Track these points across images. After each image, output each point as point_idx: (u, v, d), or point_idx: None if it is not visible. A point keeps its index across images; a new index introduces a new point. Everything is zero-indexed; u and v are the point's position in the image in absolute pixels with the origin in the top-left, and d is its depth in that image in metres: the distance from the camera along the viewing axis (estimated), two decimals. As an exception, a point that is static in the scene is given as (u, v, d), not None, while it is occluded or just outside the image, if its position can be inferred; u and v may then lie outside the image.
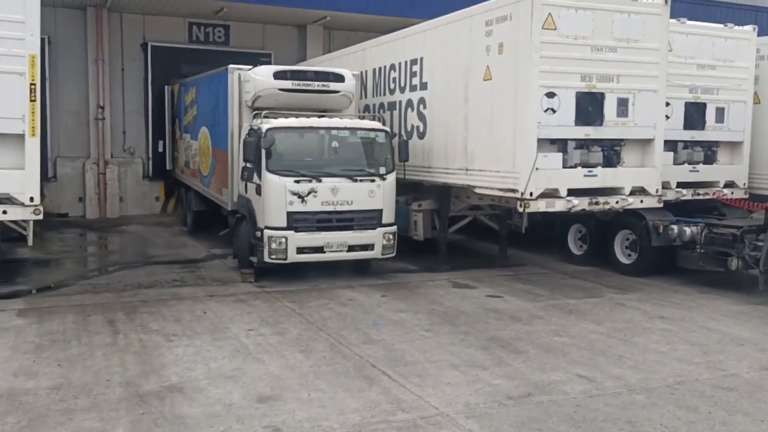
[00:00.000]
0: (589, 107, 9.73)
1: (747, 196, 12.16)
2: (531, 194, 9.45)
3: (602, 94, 9.79)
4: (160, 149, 19.05)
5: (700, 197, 11.99)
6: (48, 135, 18.42)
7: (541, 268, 12.47)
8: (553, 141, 9.79)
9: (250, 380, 6.28)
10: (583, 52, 9.59)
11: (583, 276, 11.62)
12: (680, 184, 11.81)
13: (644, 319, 8.80)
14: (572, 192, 9.82)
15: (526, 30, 9.29)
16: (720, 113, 12.07)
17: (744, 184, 12.33)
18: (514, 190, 9.64)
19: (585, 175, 9.84)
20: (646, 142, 10.29)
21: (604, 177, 9.97)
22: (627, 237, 11.92)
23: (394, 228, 10.96)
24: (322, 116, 11.15)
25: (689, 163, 11.95)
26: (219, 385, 6.16)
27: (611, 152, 10.04)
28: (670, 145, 11.81)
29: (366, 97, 14.21)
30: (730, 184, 12.28)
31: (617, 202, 10.08)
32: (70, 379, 6.26)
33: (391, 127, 13.10)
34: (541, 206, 9.62)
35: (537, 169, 9.45)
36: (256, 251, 10.42)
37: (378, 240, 10.71)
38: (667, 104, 11.53)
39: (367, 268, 11.48)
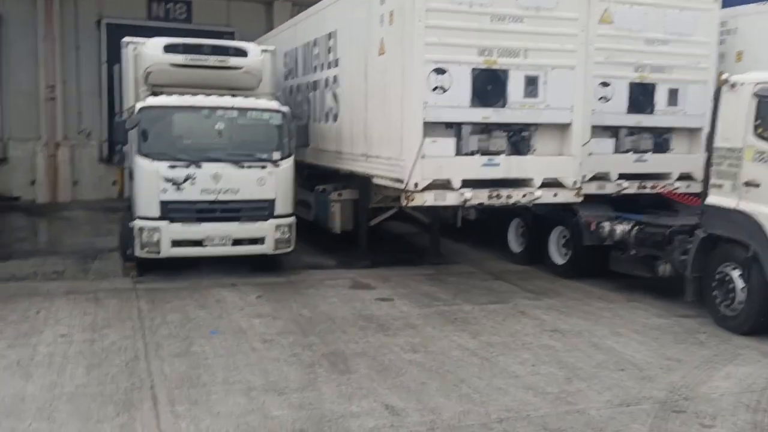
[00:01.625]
0: (489, 86, 8.45)
1: (706, 190, 10.67)
2: (416, 185, 8.27)
3: (505, 72, 8.49)
4: (115, 131, 18.33)
5: (647, 191, 10.57)
6: (-2, 115, 17.97)
7: (470, 266, 11.27)
8: (448, 125, 8.56)
9: (-14, 402, 5.36)
10: (480, 22, 8.30)
11: (507, 277, 10.37)
12: (624, 176, 10.42)
13: (533, 332, 7.58)
14: (470, 183, 8.58)
15: (411, -5, 8.08)
16: (673, 95, 10.57)
17: (703, 177, 10.82)
18: (400, 180, 8.47)
19: (484, 164, 8.57)
20: (562, 128, 8.96)
21: (508, 166, 8.68)
22: (563, 234, 10.61)
23: (291, 220, 9.89)
24: (224, 95, 10.11)
25: (635, 152, 10.49)
26: (-57, 407, 5.25)
27: (518, 138, 8.74)
28: (612, 131, 10.47)
29: (298, 75, 13.16)
30: (686, 177, 10.78)
31: (524, 196, 8.80)
32: None
33: (315, 109, 12.07)
34: (429, 199, 8.42)
35: (423, 156, 8.25)
36: (131, 243, 9.50)
37: (269, 233, 9.66)
38: (607, 84, 10.21)
39: (275, 263, 10.43)
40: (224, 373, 6.12)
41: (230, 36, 19.01)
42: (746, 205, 7.49)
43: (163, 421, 5.12)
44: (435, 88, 8.24)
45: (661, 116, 10.52)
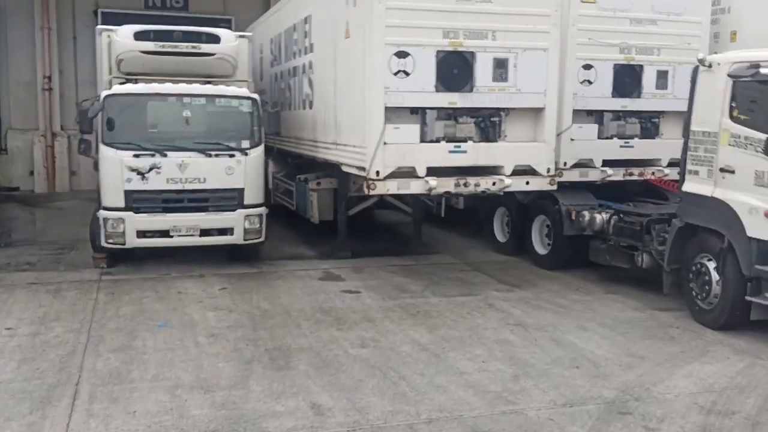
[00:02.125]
0: (455, 70, 8.08)
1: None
2: (377, 173, 7.96)
3: (472, 54, 8.12)
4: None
5: (633, 178, 10.12)
6: (-3, 106, 18.03)
7: (452, 256, 10.94)
8: (413, 110, 8.23)
9: None
10: (445, 2, 7.95)
11: (486, 268, 10.02)
12: (608, 162, 9.98)
13: (495, 326, 7.26)
14: (436, 171, 8.25)
15: (370, -25, 7.74)
16: (662, 77, 10.04)
17: (695, 163, 10.30)
18: (363, 168, 8.17)
19: (451, 152, 8.22)
20: (535, 113, 8.56)
21: (476, 154, 8.33)
22: (546, 223, 10.22)
23: (261, 210, 9.66)
24: (199, 83, 9.89)
25: (620, 138, 10.03)
26: None
27: (488, 124, 8.36)
28: (596, 115, 10.01)
29: (281, 62, 12.89)
30: (677, 163, 10.21)
31: (494, 184, 8.44)
32: None
33: (295, 96, 11.80)
34: (392, 188, 8.14)
35: (386, 143, 7.94)
36: (97, 234, 9.37)
37: (238, 223, 9.44)
38: (590, 67, 9.75)
39: (250, 254, 10.22)
40: (156, 369, 5.92)
41: (227, 23, 18.79)
42: (722, 193, 7.06)
43: (75, 420, 4.93)
44: (397, 72, 7.91)
45: (648, 100, 10.02)
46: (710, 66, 7.23)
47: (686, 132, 7.62)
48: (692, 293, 7.50)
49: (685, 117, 7.70)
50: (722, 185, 7.06)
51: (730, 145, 6.98)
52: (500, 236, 11.34)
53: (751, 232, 6.69)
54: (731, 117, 6.98)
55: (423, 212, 11.67)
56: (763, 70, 6.57)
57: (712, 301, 7.21)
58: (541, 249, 10.28)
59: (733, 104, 6.96)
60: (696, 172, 7.42)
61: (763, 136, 6.59)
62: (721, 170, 7.07)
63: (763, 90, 6.64)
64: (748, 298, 6.74)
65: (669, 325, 7.38)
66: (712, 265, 7.20)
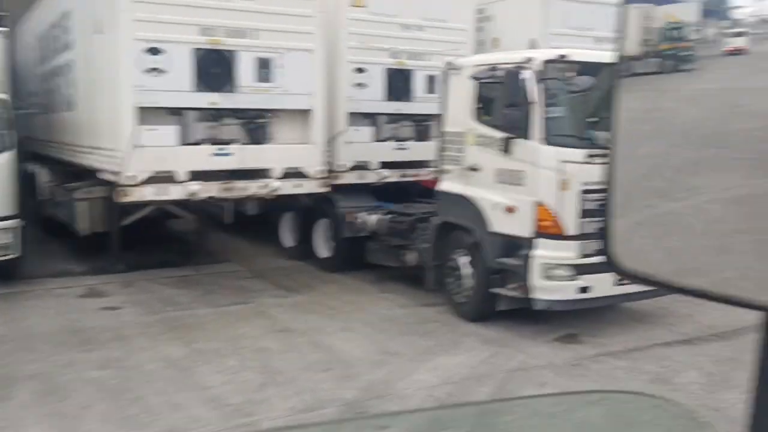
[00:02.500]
0: (215, 69, 7.79)
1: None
2: (131, 178, 7.43)
3: (232, 53, 7.87)
4: None
5: (408, 179, 10.42)
6: None
7: (238, 264, 10.56)
8: (172, 111, 7.80)
9: None
10: (203, -1, 7.63)
11: (269, 274, 9.79)
12: (386, 164, 10.19)
13: (258, 334, 7.03)
14: (202, 175, 7.88)
15: (115, -34, 7.21)
16: (432, 82, 10.48)
17: (468, 164, 10.85)
18: (119, 174, 7.59)
19: (215, 154, 7.91)
20: (303, 114, 8.50)
21: (242, 156, 8.08)
22: (329, 227, 10.20)
23: (13, 223, 8.63)
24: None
25: (395, 140, 10.31)
26: None
27: (254, 126, 8.16)
28: (371, 118, 10.20)
29: (48, 60, 11.77)
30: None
31: (263, 188, 8.24)
32: None
33: (58, 97, 10.80)
34: (148, 194, 7.65)
35: (141, 146, 7.43)
36: None
37: (-17, 238, 8.39)
38: (363, 70, 9.90)
39: (6, 272, 9.07)
40: None
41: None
42: (470, 191, 7.41)
43: None
44: (150, 70, 7.43)
45: (420, 103, 10.37)
46: (457, 69, 7.57)
47: (440, 133, 7.93)
48: (450, 288, 7.81)
49: (440, 119, 8.01)
50: (470, 183, 7.42)
51: (475, 144, 7.35)
52: (287, 241, 11.16)
53: (493, 227, 7.08)
54: (475, 118, 7.36)
55: (208, 219, 11.18)
56: (498, 72, 6.98)
57: (467, 294, 7.54)
58: (324, 252, 10.25)
59: (478, 105, 7.34)
60: (450, 171, 7.74)
61: (501, 134, 7.01)
62: (469, 169, 7.43)
63: (501, 90, 7.04)
64: (492, 290, 7.11)
65: (430, 320, 7.61)
66: (465, 260, 7.54)
